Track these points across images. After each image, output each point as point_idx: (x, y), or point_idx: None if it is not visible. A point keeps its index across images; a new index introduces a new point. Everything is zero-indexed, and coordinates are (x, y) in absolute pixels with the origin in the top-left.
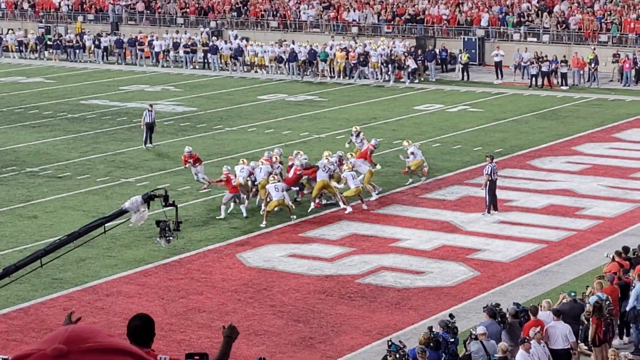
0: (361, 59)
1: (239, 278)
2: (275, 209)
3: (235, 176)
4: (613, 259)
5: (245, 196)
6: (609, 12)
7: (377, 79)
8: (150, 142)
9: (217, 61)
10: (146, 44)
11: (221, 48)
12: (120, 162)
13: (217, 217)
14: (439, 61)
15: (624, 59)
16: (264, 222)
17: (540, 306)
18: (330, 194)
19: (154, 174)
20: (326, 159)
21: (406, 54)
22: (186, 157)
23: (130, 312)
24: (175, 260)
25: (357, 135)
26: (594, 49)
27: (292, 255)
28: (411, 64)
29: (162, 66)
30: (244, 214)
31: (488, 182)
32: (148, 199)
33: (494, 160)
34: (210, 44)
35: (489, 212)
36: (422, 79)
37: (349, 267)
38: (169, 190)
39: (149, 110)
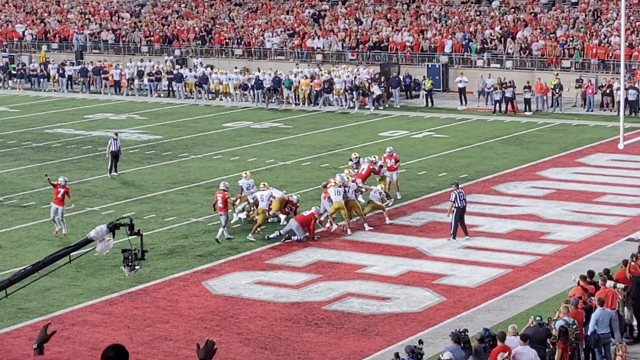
0: (326, 86)
1: (205, 306)
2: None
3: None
4: (578, 283)
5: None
6: (571, 38)
7: (341, 105)
8: (115, 171)
9: (182, 89)
10: (110, 72)
11: (186, 76)
12: (85, 191)
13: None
14: (403, 88)
15: (586, 84)
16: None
17: (507, 331)
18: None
19: (119, 202)
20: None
21: (370, 80)
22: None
23: (96, 341)
24: (141, 289)
25: (357, 162)
26: (557, 74)
27: (258, 283)
28: (376, 90)
29: (127, 94)
30: (224, 237)
31: (454, 209)
32: (113, 228)
33: (460, 187)
34: (175, 72)
35: (454, 238)
36: (387, 105)
37: (315, 293)
38: (134, 218)
39: (114, 139)
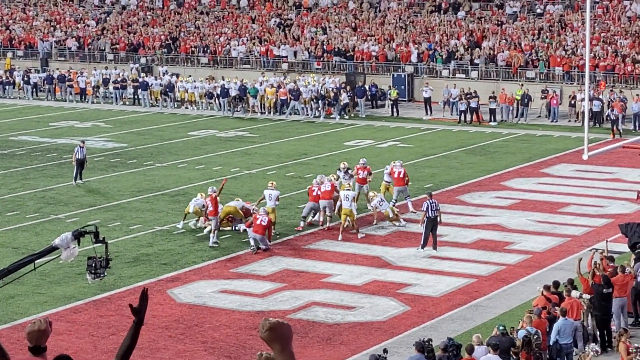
0: (292, 95)
1: (170, 314)
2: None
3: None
4: (542, 293)
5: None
6: (536, 49)
7: (307, 114)
8: (81, 179)
9: (148, 97)
10: (75, 79)
11: (151, 84)
12: (50, 199)
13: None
14: (369, 97)
15: (551, 94)
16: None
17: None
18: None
19: (84, 210)
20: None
21: (337, 88)
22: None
23: (60, 349)
24: (105, 297)
25: (346, 172)
26: (522, 85)
27: (223, 291)
28: (344, 97)
29: (92, 102)
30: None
31: (425, 219)
32: (78, 236)
33: (433, 197)
34: (140, 79)
35: (422, 248)
36: (352, 114)
37: (280, 302)
38: (99, 226)
39: (80, 147)
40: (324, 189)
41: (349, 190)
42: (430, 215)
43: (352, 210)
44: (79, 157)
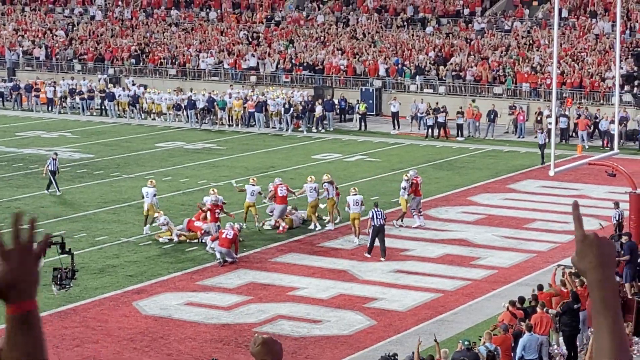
0: (256, 108)
1: (135, 326)
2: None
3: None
4: (507, 309)
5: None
6: (503, 65)
7: (274, 127)
8: (47, 189)
9: (114, 108)
10: (43, 89)
11: (119, 95)
12: (16, 209)
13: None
14: (337, 111)
15: (518, 111)
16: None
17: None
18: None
19: (49, 221)
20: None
21: (304, 102)
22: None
23: None
24: (70, 308)
25: (331, 183)
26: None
27: (188, 304)
28: (319, 111)
29: (59, 112)
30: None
31: (371, 226)
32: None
33: (378, 207)
34: (107, 90)
35: (368, 254)
36: (320, 128)
37: (246, 315)
38: (65, 237)
39: (53, 159)
40: (282, 194)
41: (355, 195)
42: (375, 223)
43: (359, 214)
44: (52, 169)
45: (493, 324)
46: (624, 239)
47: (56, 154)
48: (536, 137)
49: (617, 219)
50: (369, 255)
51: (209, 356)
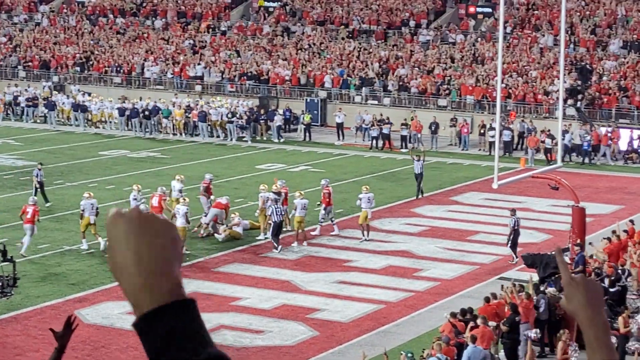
0: (202, 117)
1: (77, 335)
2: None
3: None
4: (448, 320)
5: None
6: (448, 77)
7: (218, 137)
8: (46, 200)
9: (54, 117)
10: None
11: (63, 102)
12: None
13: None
14: (282, 121)
15: (462, 123)
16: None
17: None
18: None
19: None
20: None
21: (249, 112)
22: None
23: None
24: (11, 316)
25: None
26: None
27: (130, 313)
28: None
29: (2, 119)
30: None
31: (271, 223)
32: None
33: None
34: (49, 99)
35: (277, 250)
36: (265, 138)
37: None
38: (7, 245)
39: (38, 169)
40: (219, 200)
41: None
42: (275, 219)
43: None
44: (39, 180)
45: (436, 336)
46: (576, 249)
47: (41, 164)
48: (480, 149)
49: (513, 226)
50: (278, 251)
51: None
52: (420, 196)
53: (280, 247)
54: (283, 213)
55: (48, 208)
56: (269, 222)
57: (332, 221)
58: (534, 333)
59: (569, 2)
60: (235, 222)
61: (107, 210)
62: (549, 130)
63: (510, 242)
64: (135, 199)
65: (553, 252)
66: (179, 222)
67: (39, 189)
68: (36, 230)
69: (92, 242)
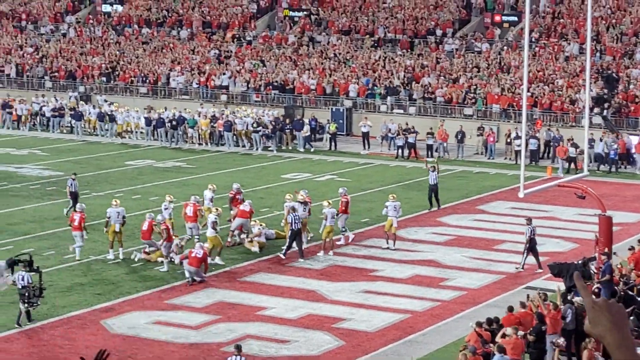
0: (227, 127)
1: (103, 345)
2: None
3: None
4: (474, 329)
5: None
6: (474, 86)
7: (244, 146)
8: (67, 214)
9: (81, 128)
10: (14, 107)
11: (89, 113)
12: None
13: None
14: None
15: (488, 132)
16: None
17: None
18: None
19: (18, 238)
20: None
21: (274, 121)
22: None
23: None
24: (38, 327)
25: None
26: (461, 125)
27: (157, 323)
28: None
29: (29, 129)
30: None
31: (290, 230)
32: (12, 264)
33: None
34: (76, 109)
35: (283, 256)
36: (290, 148)
37: (215, 335)
38: (33, 255)
39: (72, 179)
40: (243, 208)
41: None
42: (294, 227)
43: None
44: (73, 190)
45: (462, 345)
46: (603, 258)
47: (75, 174)
48: (506, 158)
49: (529, 235)
50: (283, 257)
51: None
52: (437, 207)
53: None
54: (300, 221)
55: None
56: (290, 228)
57: (344, 230)
58: (560, 341)
59: (595, 10)
60: (256, 233)
61: (134, 219)
62: (572, 139)
63: (526, 251)
64: (166, 209)
65: (579, 261)
66: (209, 232)
67: (73, 200)
68: (86, 235)
69: (128, 248)
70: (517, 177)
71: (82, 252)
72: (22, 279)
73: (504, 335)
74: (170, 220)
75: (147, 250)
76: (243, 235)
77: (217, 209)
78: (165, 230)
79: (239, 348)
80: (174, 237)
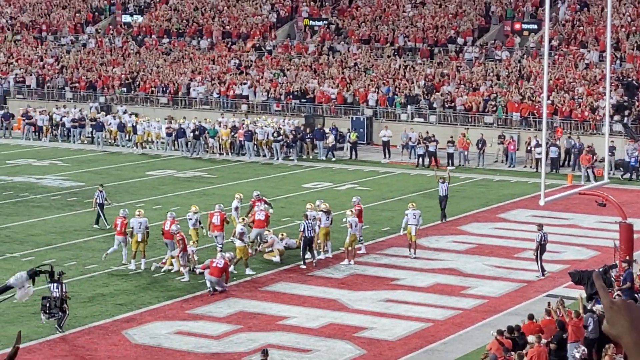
0: (248, 137)
1: (125, 355)
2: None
3: None
4: (495, 338)
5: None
6: (494, 94)
7: (264, 156)
8: (106, 222)
9: (102, 138)
10: (34, 117)
11: (109, 123)
12: (6, 237)
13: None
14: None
15: (508, 140)
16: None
17: None
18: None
19: (39, 249)
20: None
21: (294, 131)
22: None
23: None
24: (60, 337)
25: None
26: (482, 133)
27: (178, 332)
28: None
29: (50, 140)
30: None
31: (302, 238)
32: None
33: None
34: (97, 120)
35: (304, 265)
36: (311, 157)
37: (236, 344)
38: (55, 266)
39: (100, 191)
40: (258, 217)
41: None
42: (307, 235)
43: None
44: (99, 202)
45: (484, 353)
46: (624, 265)
47: (102, 185)
48: (527, 166)
49: (539, 241)
50: (304, 266)
51: None
52: (444, 220)
53: (306, 262)
54: (314, 229)
55: (94, 229)
56: (302, 236)
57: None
58: (579, 352)
59: (615, 18)
60: (269, 243)
61: (155, 229)
62: (590, 146)
63: (537, 257)
64: (190, 219)
65: (600, 269)
66: (238, 243)
67: (99, 211)
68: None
69: (150, 258)
70: (538, 185)
71: (103, 263)
72: (57, 288)
73: (529, 345)
74: (196, 229)
75: (164, 261)
76: (263, 245)
77: (243, 219)
78: (180, 241)
79: (265, 353)
80: (189, 245)
